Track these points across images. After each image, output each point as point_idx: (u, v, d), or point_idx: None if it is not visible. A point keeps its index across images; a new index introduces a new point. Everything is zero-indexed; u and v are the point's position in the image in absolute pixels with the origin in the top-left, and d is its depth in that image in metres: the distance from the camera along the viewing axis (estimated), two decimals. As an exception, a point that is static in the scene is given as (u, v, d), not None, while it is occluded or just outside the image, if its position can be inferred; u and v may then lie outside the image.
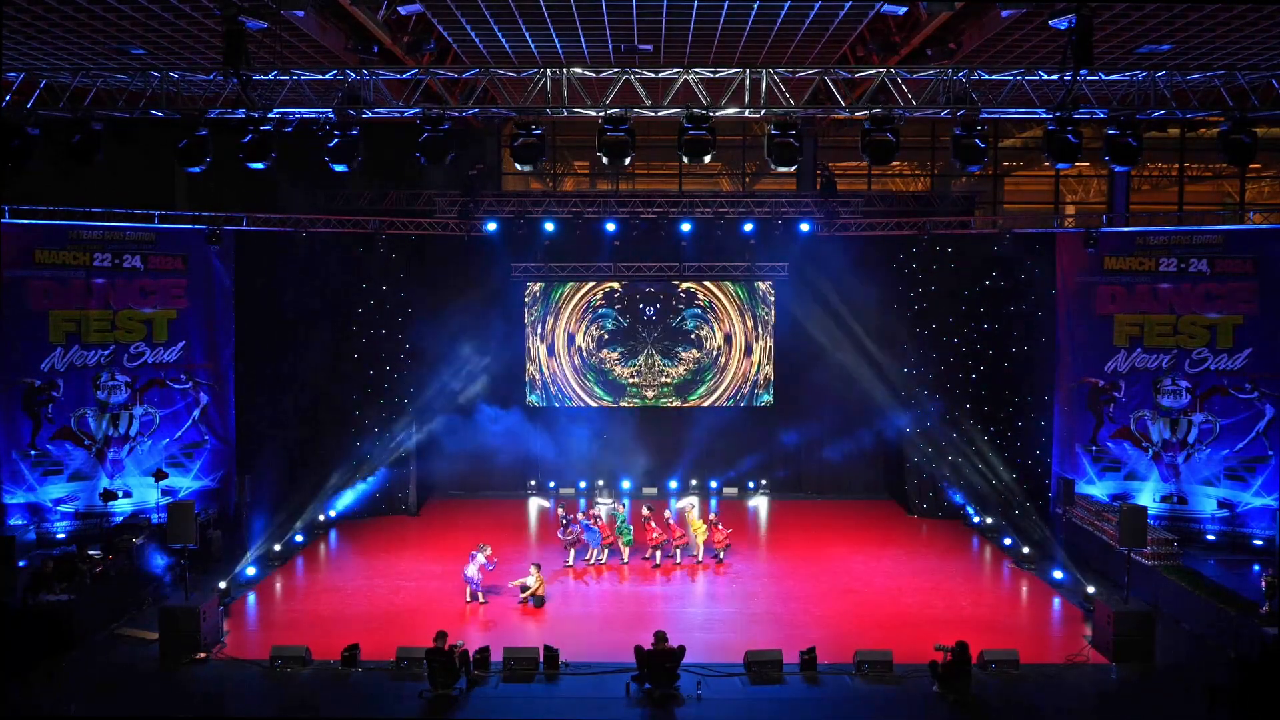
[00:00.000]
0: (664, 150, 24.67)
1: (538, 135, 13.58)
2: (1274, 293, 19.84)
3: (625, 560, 19.29)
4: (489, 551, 17.25)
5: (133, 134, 14.47)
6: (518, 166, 13.92)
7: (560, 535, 19.48)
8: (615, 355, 25.22)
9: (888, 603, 17.32)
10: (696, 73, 13.95)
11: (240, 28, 11.64)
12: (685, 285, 24.95)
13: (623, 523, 19.53)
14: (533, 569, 17.21)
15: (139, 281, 20.73)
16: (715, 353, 25.27)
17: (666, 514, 20.15)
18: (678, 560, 19.39)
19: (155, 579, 17.31)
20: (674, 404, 25.37)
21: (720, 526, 19.76)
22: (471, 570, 16.96)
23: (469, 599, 17.04)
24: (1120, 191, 24.40)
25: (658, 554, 19.34)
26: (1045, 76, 13.82)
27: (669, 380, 25.30)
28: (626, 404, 25.32)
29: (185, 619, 14.62)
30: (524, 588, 16.96)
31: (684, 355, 25.26)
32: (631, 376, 25.25)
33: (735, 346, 25.24)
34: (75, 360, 20.21)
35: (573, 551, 19.37)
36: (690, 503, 20.43)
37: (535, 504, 24.47)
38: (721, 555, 19.60)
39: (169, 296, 20.97)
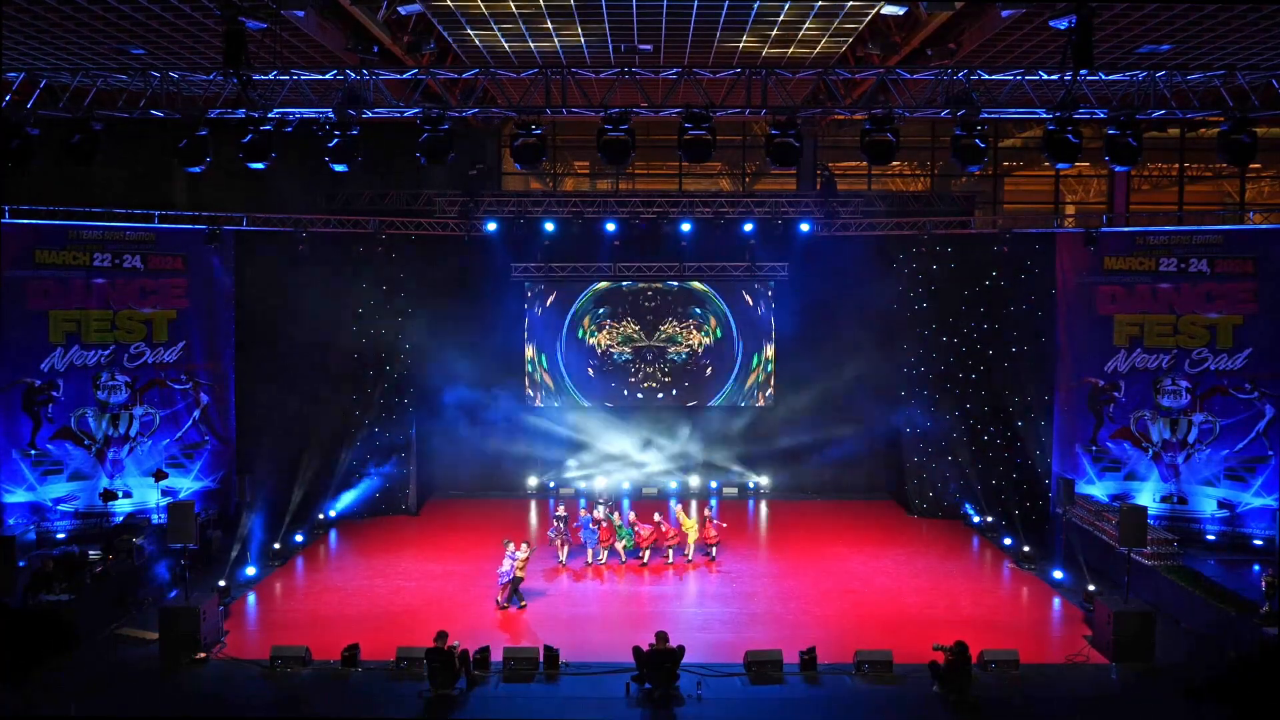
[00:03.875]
0: (664, 150, 24.67)
1: (538, 135, 13.58)
2: (1274, 293, 19.84)
3: (624, 560, 19.31)
4: (519, 552, 17.10)
5: (132, 134, 14.48)
6: (518, 167, 13.92)
7: (550, 534, 19.46)
8: (615, 355, 25.21)
9: (888, 603, 17.32)
10: (696, 73, 13.95)
11: (240, 28, 11.64)
12: (685, 285, 24.93)
13: (621, 524, 19.53)
14: (524, 546, 17.15)
15: (139, 281, 20.73)
16: (715, 352, 25.25)
17: (656, 516, 20.16)
18: (669, 560, 19.45)
19: (155, 579, 17.30)
20: (674, 404, 25.35)
21: (714, 521, 19.80)
22: (505, 567, 16.88)
23: (499, 603, 16.90)
24: (1120, 191, 24.39)
25: (646, 553, 19.38)
26: (1045, 76, 13.82)
27: (669, 380, 25.29)
28: (626, 404, 25.30)
29: (185, 619, 14.61)
30: (514, 578, 16.81)
31: (684, 355, 25.25)
32: (631, 376, 25.23)
33: (735, 346, 25.22)
34: (75, 360, 20.22)
35: (566, 550, 19.34)
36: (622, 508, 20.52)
37: (535, 504, 24.48)
38: (713, 553, 19.65)
39: (169, 297, 20.98)
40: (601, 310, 25.15)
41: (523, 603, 16.86)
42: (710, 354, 25.27)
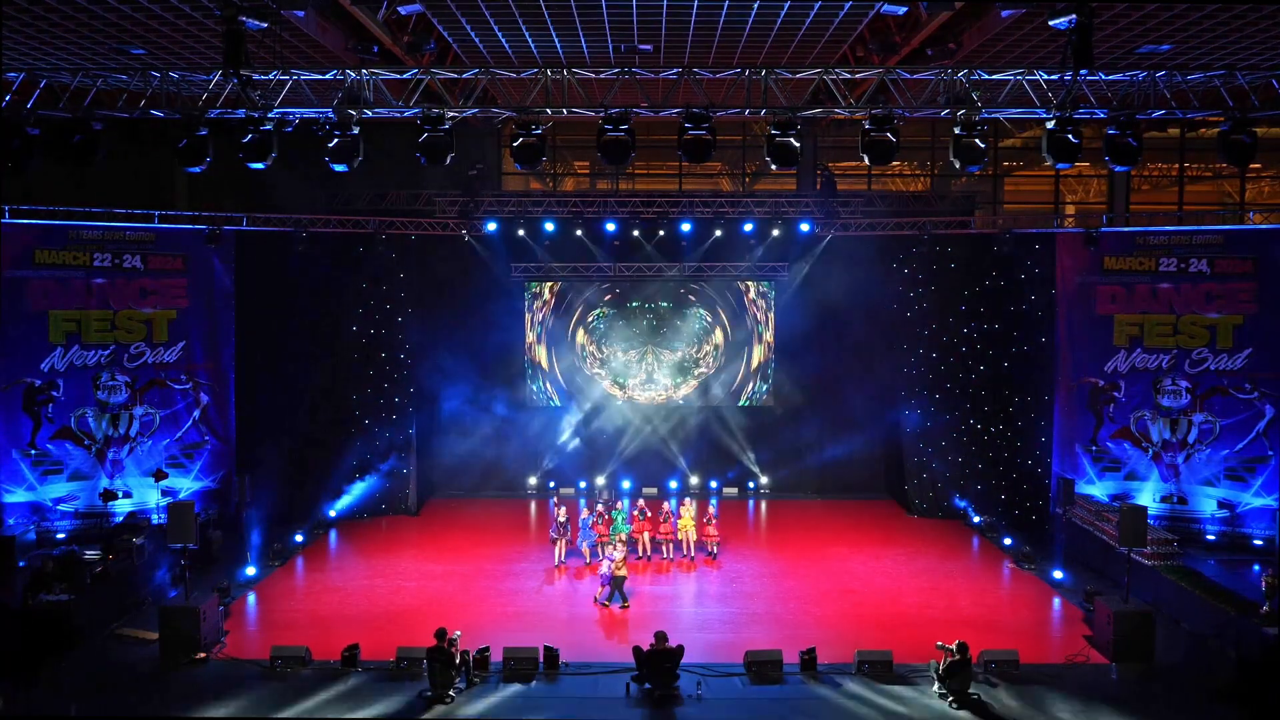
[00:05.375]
0: (664, 150, 24.67)
1: (538, 135, 13.58)
2: (1274, 293, 19.84)
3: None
4: (616, 553, 17.23)
5: (133, 134, 14.47)
6: (518, 167, 13.91)
7: (551, 534, 19.45)
8: (615, 355, 25.22)
9: (888, 603, 17.33)
10: (696, 73, 13.95)
11: (240, 28, 11.63)
12: (685, 285, 24.92)
13: (620, 522, 19.54)
14: (619, 545, 17.44)
15: (139, 281, 20.73)
16: (715, 352, 25.27)
17: (666, 507, 20.24)
18: (666, 556, 19.52)
19: (155, 579, 17.30)
20: (674, 404, 25.36)
21: (709, 525, 19.79)
22: (604, 569, 17.02)
23: (598, 600, 17.07)
24: (1120, 191, 24.41)
25: (643, 541, 19.45)
26: (1045, 76, 13.82)
27: (669, 380, 25.30)
28: (626, 404, 25.31)
29: (185, 619, 14.62)
30: (614, 577, 16.90)
31: (684, 355, 25.25)
32: (631, 376, 25.24)
33: (735, 346, 25.22)
34: (75, 360, 20.22)
35: (564, 550, 19.30)
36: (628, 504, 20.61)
37: (535, 504, 24.48)
38: (714, 551, 19.68)
39: (169, 296, 20.98)
40: (601, 310, 25.15)
41: (625, 603, 16.85)
42: (710, 354, 25.27)
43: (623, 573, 16.91)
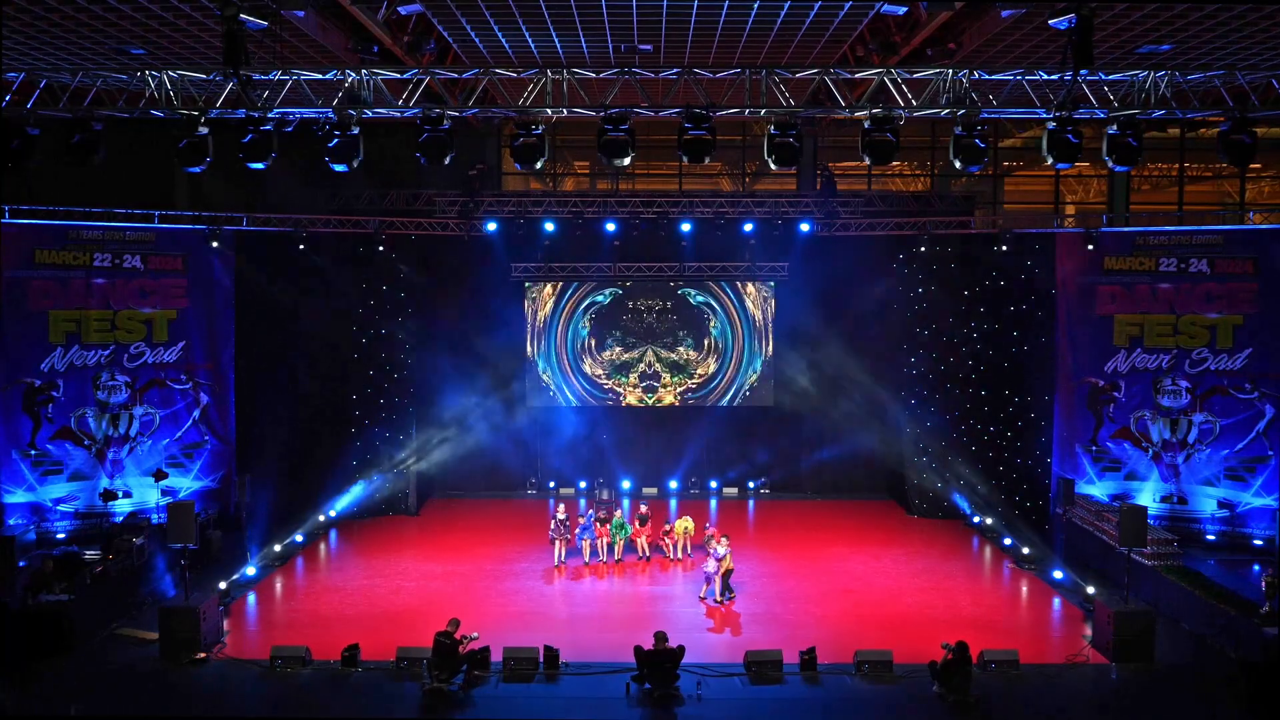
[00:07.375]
0: (664, 150, 24.67)
1: (538, 135, 13.59)
2: (1274, 293, 19.84)
3: (619, 559, 19.33)
4: (720, 548, 17.18)
5: (133, 134, 14.49)
6: (518, 167, 13.93)
7: (551, 534, 19.42)
8: (615, 355, 25.22)
9: (888, 603, 17.32)
10: (696, 73, 13.95)
11: (240, 28, 11.62)
12: (685, 285, 24.93)
13: (618, 524, 19.54)
14: (723, 540, 17.33)
15: (139, 281, 20.74)
16: (715, 352, 25.27)
17: (666, 522, 20.24)
18: (667, 555, 19.58)
19: (155, 579, 17.30)
20: (674, 404, 25.36)
21: (711, 528, 19.78)
22: (710, 567, 17.08)
23: (720, 601, 17.07)
24: (1120, 191, 24.40)
25: (643, 544, 19.47)
26: (1045, 76, 13.83)
27: (669, 380, 25.29)
28: (626, 404, 25.31)
29: (185, 619, 14.61)
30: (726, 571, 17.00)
31: (684, 355, 25.25)
32: (631, 376, 25.24)
33: (735, 346, 25.23)
34: (75, 360, 20.23)
35: (564, 550, 19.29)
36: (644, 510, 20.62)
37: (534, 504, 24.46)
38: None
39: (169, 296, 20.99)
40: (601, 310, 25.15)
41: (732, 594, 17.10)
42: (710, 354, 25.27)
43: (731, 566, 17.18)
